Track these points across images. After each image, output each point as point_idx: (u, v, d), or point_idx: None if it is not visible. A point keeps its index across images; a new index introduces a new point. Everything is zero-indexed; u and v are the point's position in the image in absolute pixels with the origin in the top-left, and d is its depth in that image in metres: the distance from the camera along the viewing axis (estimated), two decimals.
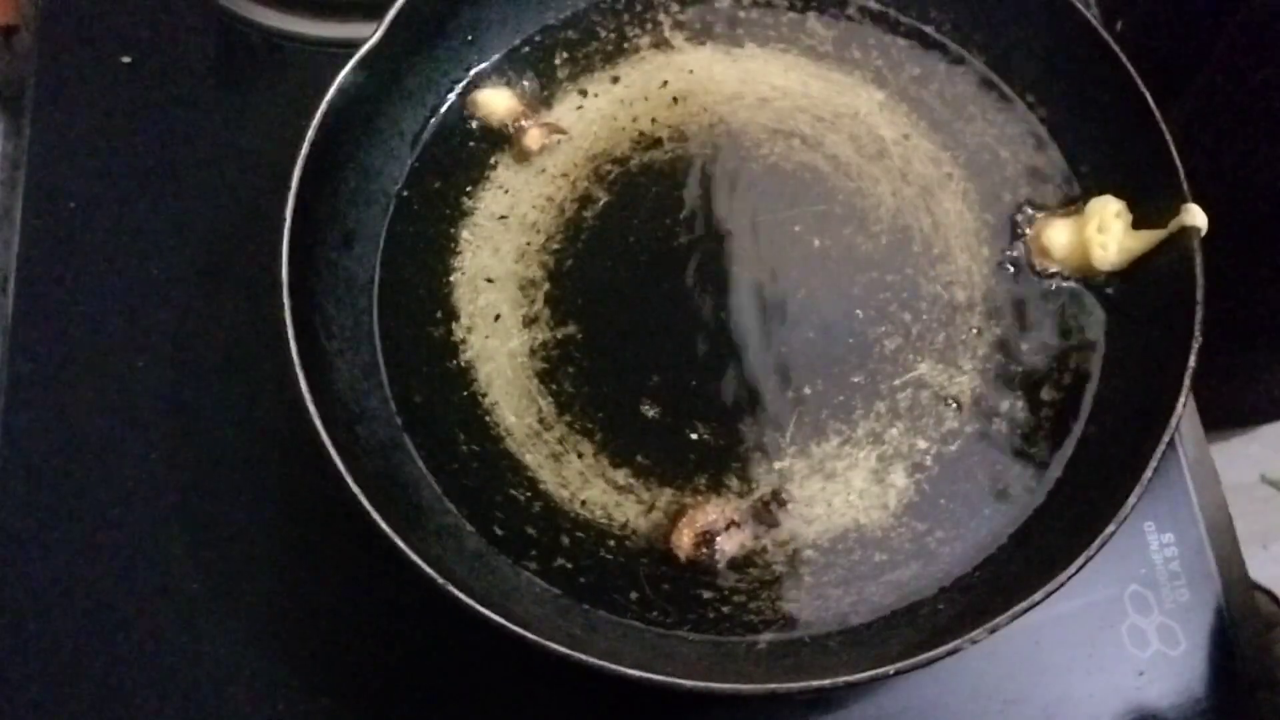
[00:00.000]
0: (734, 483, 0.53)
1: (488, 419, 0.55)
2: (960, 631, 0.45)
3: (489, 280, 0.57)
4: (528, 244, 0.58)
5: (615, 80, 0.62)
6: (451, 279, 0.57)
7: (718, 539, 0.51)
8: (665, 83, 0.62)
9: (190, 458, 0.59)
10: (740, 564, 0.52)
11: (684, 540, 0.51)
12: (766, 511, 0.52)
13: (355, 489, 0.47)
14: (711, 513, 0.51)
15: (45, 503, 0.58)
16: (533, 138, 0.57)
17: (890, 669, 0.45)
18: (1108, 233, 0.56)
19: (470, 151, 0.60)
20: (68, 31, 0.69)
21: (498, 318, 0.57)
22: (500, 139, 0.60)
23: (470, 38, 0.61)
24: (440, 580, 0.45)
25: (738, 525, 0.52)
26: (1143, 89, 0.56)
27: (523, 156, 0.59)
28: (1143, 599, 0.58)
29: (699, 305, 0.57)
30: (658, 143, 0.60)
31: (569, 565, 0.52)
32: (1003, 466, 0.54)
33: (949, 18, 0.62)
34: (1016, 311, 0.57)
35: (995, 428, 0.55)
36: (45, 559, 0.57)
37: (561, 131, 0.57)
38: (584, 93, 0.61)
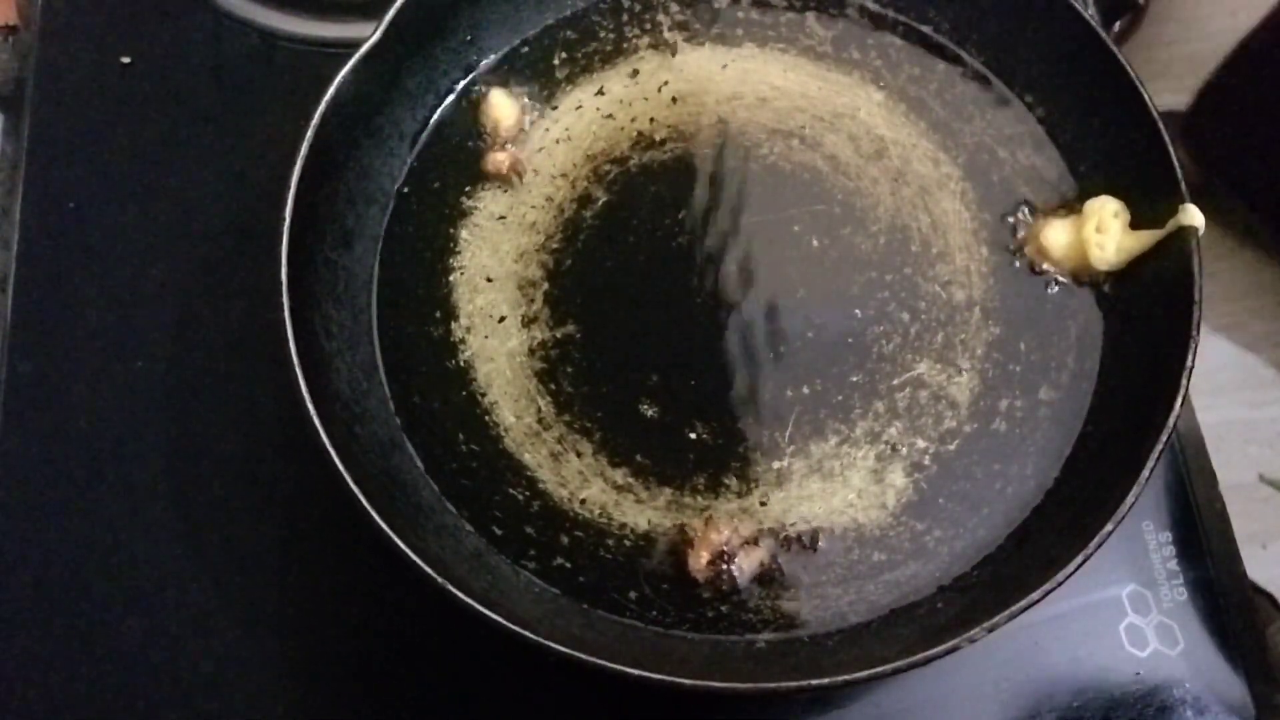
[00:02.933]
0: (733, 482, 0.53)
1: (487, 418, 0.55)
2: (959, 631, 0.46)
3: (488, 280, 0.57)
4: (527, 244, 0.58)
5: (614, 80, 0.62)
6: (451, 279, 0.57)
7: (735, 559, 0.51)
8: (665, 83, 0.62)
9: (190, 458, 0.59)
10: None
11: (700, 563, 0.51)
12: (799, 545, 0.52)
13: (354, 489, 0.47)
14: (724, 531, 0.51)
15: (45, 503, 0.58)
16: (495, 161, 0.57)
17: (889, 668, 0.45)
18: (1106, 233, 0.56)
19: (470, 151, 0.60)
20: (68, 31, 0.69)
21: (499, 319, 0.57)
22: (503, 140, 0.60)
23: (469, 38, 0.61)
24: (439, 579, 0.45)
25: (754, 543, 0.51)
26: (1141, 89, 0.56)
27: (478, 174, 0.59)
28: (1141, 598, 0.58)
29: (698, 305, 0.57)
30: (657, 143, 0.60)
31: (568, 564, 0.52)
32: (1001, 466, 0.54)
33: (947, 18, 0.62)
34: (1015, 311, 0.57)
35: (993, 427, 0.55)
36: (45, 559, 0.57)
37: (520, 175, 0.57)
38: (583, 93, 0.61)
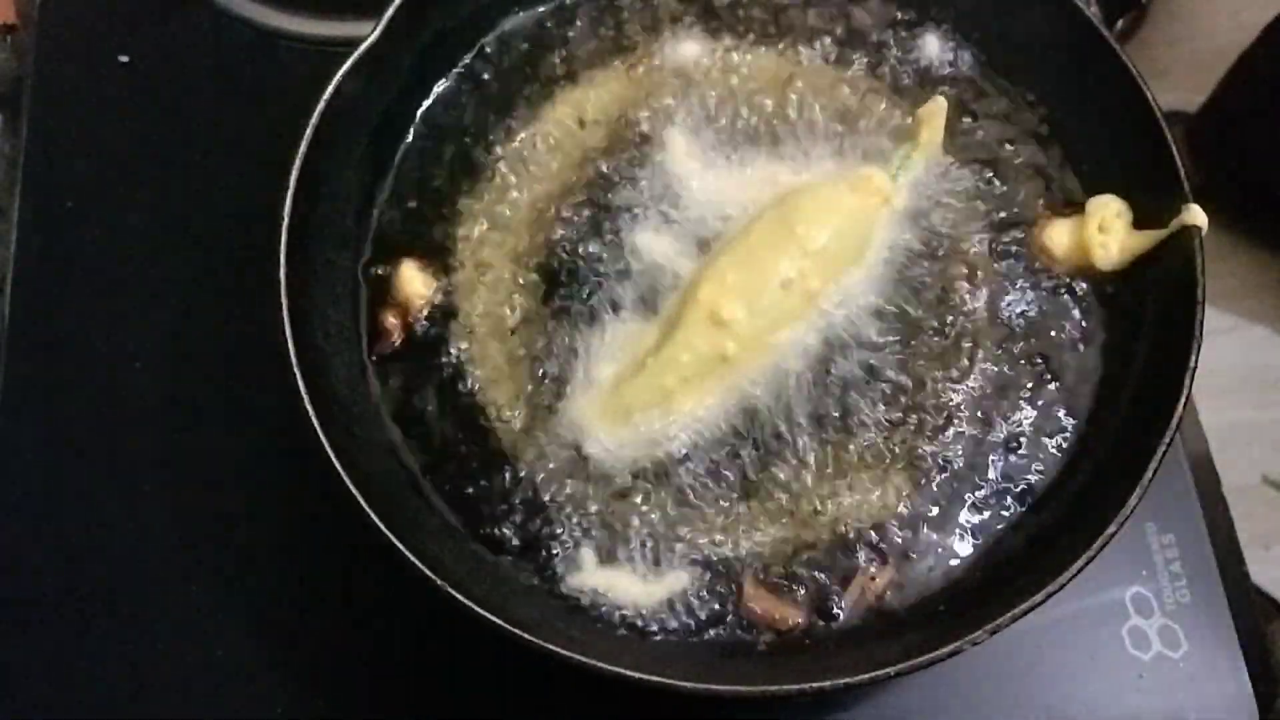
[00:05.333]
0: (736, 488, 0.53)
1: (486, 420, 0.54)
2: (961, 633, 0.45)
3: (488, 281, 0.57)
4: (527, 244, 0.58)
5: (615, 77, 0.61)
6: (451, 278, 0.57)
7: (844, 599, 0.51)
8: (666, 80, 0.61)
9: (188, 459, 0.59)
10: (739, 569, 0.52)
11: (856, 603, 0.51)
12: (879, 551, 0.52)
13: (353, 490, 0.46)
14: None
15: (43, 504, 0.58)
16: (389, 322, 0.55)
17: (890, 670, 0.45)
18: (1109, 232, 0.56)
19: (469, 151, 0.60)
20: (66, 31, 0.69)
21: (498, 319, 0.56)
22: (501, 137, 0.60)
23: (469, 34, 0.61)
24: (438, 581, 0.45)
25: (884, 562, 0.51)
26: (1144, 88, 0.56)
27: (478, 173, 0.59)
28: (1144, 600, 0.57)
29: None
30: (657, 141, 0.60)
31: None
32: (1003, 467, 0.54)
33: (950, 16, 0.62)
34: (1017, 312, 0.56)
35: (996, 429, 0.54)
36: (43, 560, 0.57)
37: (406, 341, 0.55)
38: (583, 90, 0.61)
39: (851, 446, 0.54)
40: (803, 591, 0.51)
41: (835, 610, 0.51)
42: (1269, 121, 1.11)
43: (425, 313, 0.56)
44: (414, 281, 0.56)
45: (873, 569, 0.52)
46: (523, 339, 0.56)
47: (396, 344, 0.55)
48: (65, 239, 0.64)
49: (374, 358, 0.55)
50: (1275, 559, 1.05)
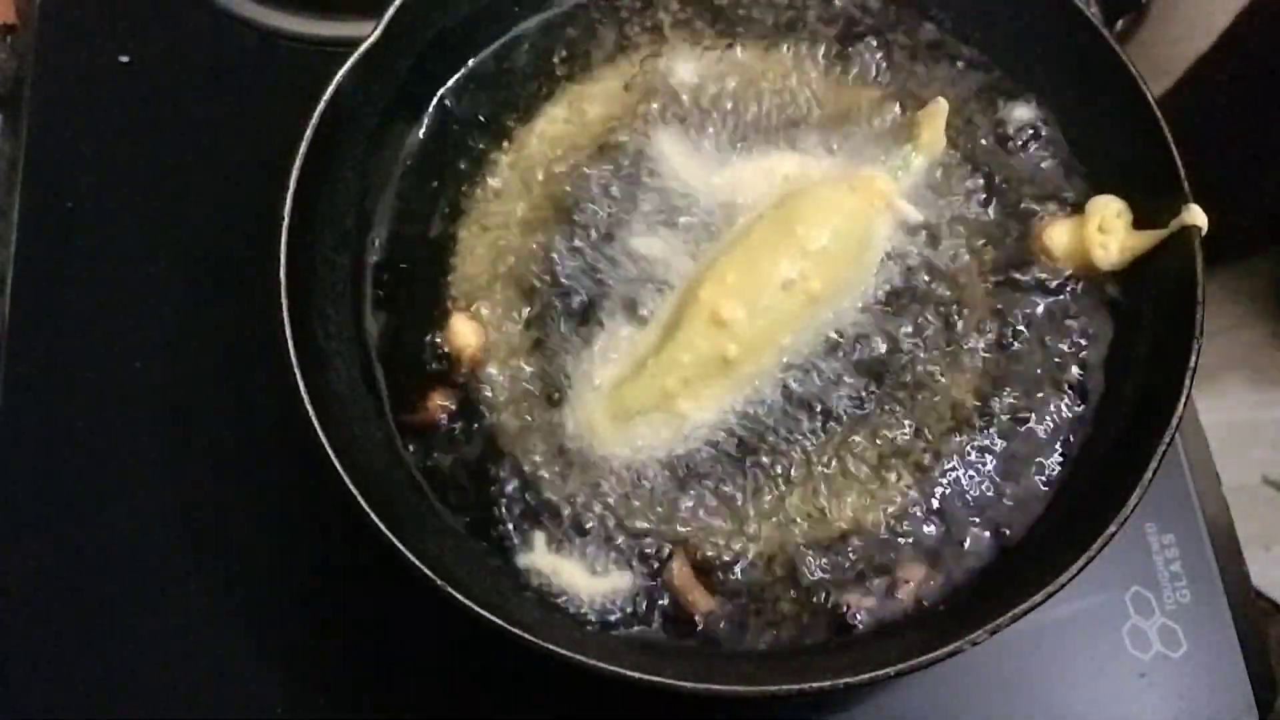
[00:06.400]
0: (738, 487, 0.53)
1: (486, 420, 0.54)
2: (960, 633, 0.45)
3: (489, 280, 0.57)
4: (529, 244, 0.58)
5: (616, 78, 0.61)
6: (450, 278, 0.57)
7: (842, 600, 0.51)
8: (666, 80, 0.61)
9: (188, 459, 0.59)
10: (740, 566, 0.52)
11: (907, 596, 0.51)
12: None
13: (353, 490, 0.46)
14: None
15: (43, 504, 0.58)
16: (435, 402, 0.54)
17: (890, 671, 0.45)
18: (1109, 232, 0.56)
19: (469, 151, 0.60)
20: (66, 31, 0.69)
21: (499, 320, 0.56)
22: (500, 138, 0.60)
23: (469, 34, 0.61)
24: (438, 581, 0.45)
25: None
26: (1144, 88, 0.56)
27: (478, 173, 0.59)
28: (1144, 600, 0.58)
29: None
30: (658, 142, 0.60)
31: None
32: (1003, 467, 0.54)
33: (950, 16, 0.62)
34: (1017, 312, 0.56)
35: (995, 429, 0.54)
36: (43, 561, 0.57)
37: (448, 417, 0.54)
38: (584, 90, 0.61)
39: (851, 448, 0.54)
40: (801, 593, 0.51)
41: (829, 610, 0.51)
42: (1238, 114, 1.10)
43: (475, 369, 0.55)
44: (465, 333, 0.55)
45: (875, 571, 0.52)
46: (524, 340, 0.56)
47: (438, 423, 0.54)
48: (65, 239, 0.64)
49: (400, 422, 0.54)
50: (1275, 559, 1.05)
